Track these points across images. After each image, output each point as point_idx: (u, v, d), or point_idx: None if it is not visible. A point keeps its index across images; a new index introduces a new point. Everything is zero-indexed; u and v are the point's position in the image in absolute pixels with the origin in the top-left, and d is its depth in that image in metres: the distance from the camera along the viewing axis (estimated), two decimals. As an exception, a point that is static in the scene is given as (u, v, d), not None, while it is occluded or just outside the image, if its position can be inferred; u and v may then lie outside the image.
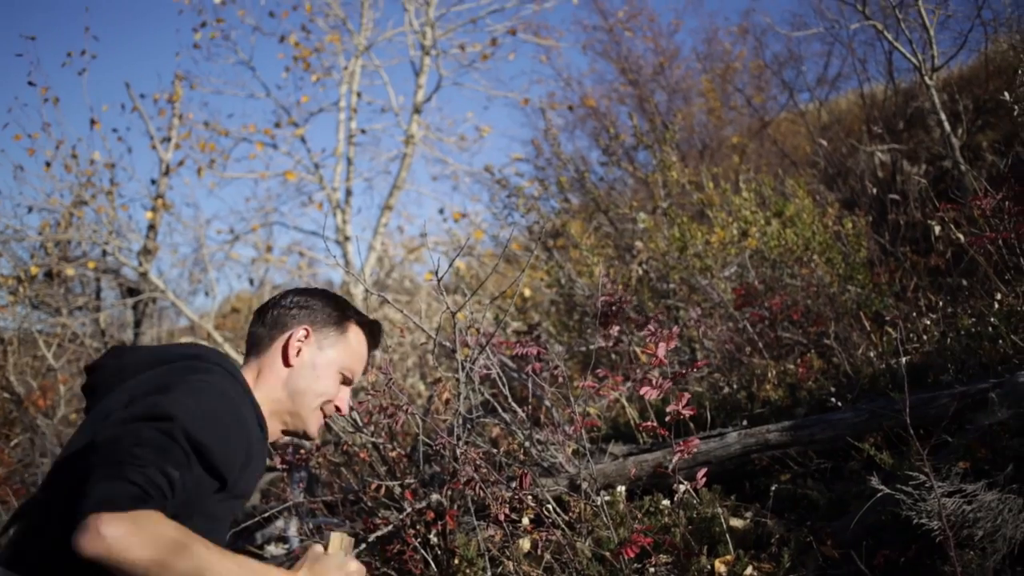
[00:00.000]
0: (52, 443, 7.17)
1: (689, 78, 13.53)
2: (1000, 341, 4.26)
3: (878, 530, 3.44)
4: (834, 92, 12.02)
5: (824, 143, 9.01)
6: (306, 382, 2.16)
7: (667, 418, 3.59)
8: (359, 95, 11.60)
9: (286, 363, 2.17)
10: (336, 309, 2.25)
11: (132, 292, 9.79)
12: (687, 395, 3.59)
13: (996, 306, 4.55)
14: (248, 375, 2.16)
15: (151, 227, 10.07)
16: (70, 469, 1.85)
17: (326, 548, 1.96)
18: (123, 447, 1.65)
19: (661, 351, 3.51)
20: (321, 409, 2.20)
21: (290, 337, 2.18)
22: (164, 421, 1.71)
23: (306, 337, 2.19)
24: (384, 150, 13.11)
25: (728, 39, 13.91)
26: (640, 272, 6.63)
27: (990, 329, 4.38)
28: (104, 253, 9.48)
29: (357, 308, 2.32)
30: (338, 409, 2.22)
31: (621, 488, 3.98)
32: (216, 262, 11.42)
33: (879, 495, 3.24)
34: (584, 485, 3.82)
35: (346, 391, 2.25)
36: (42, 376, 8.41)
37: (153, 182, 10.43)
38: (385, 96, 17.38)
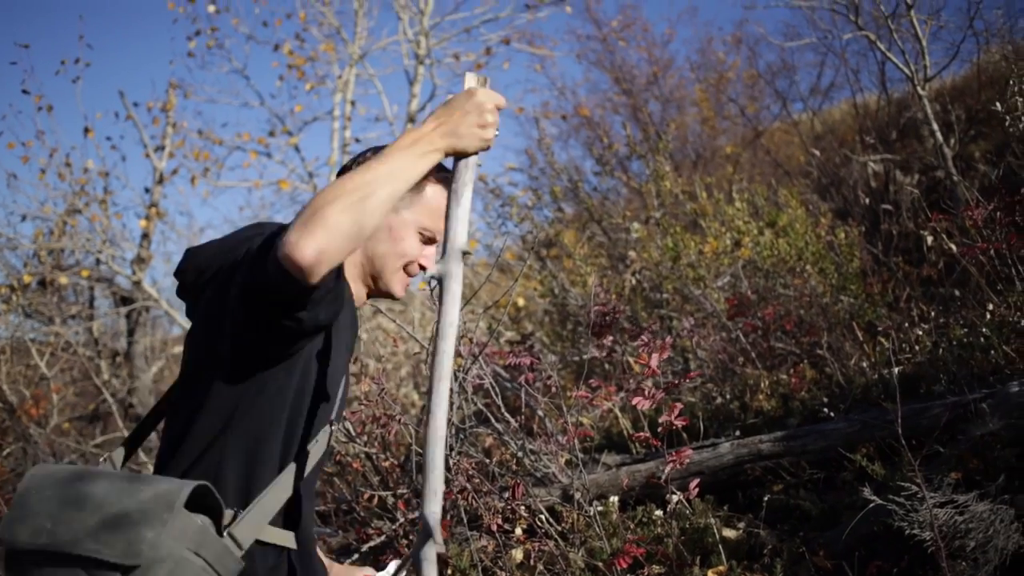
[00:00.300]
0: (45, 452, 7.15)
1: (683, 88, 13.58)
2: (992, 352, 4.27)
3: (870, 541, 3.45)
4: (827, 102, 12.08)
5: (817, 153, 9.03)
6: (385, 246, 2.09)
7: (660, 428, 3.59)
8: (353, 104, 11.61)
9: None
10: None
11: (126, 301, 9.78)
12: (679, 405, 3.60)
13: (988, 317, 4.56)
14: None
15: (145, 236, 10.05)
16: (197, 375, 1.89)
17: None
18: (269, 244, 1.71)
19: (653, 361, 3.52)
20: (405, 269, 2.12)
21: None
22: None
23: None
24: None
25: (722, 49, 13.96)
26: (633, 282, 6.64)
27: (982, 340, 4.39)
28: (98, 262, 9.47)
29: (442, 166, 2.16)
30: (423, 268, 2.14)
31: (614, 498, 3.98)
32: (210, 271, 11.41)
33: (871, 506, 3.25)
34: (577, 495, 3.82)
35: (430, 249, 2.16)
36: (35, 385, 8.38)
37: (147, 190, 10.43)
38: (379, 105, 17.40)
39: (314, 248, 1.60)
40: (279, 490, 1.82)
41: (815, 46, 10.69)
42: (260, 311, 1.74)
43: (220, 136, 11.25)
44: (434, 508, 1.54)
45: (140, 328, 9.82)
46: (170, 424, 1.94)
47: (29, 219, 9.17)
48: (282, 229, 1.70)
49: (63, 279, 9.04)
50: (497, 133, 1.84)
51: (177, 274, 2.08)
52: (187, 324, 8.46)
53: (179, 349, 10.73)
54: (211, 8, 11.29)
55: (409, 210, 2.09)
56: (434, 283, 1.79)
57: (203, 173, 10.88)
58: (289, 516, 1.88)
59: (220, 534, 1.70)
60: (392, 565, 2.16)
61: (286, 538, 1.85)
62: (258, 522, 1.77)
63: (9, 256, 9.05)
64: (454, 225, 1.80)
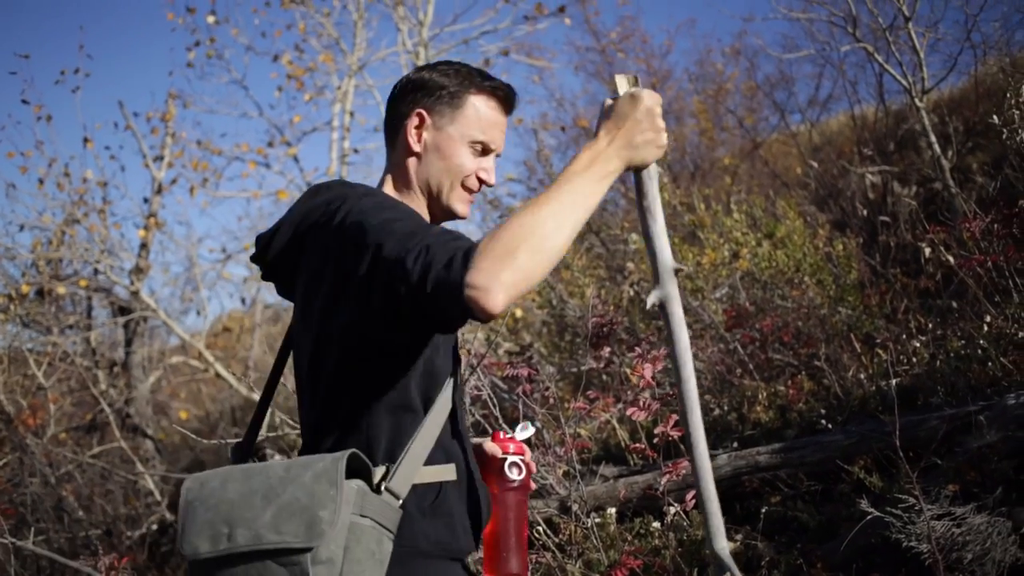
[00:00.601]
0: (41, 462, 7.14)
1: (681, 99, 13.59)
2: (989, 363, 4.27)
3: (868, 553, 3.44)
4: (825, 114, 12.09)
5: (815, 164, 9.04)
6: (435, 166, 2.04)
7: (656, 440, 3.59)
8: (352, 115, 11.62)
9: (411, 155, 2.06)
10: (450, 81, 2.08)
11: (123, 311, 9.77)
12: (675, 416, 3.60)
13: (985, 328, 4.56)
14: (386, 184, 2.10)
15: (143, 246, 10.04)
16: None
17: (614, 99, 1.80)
18: (409, 258, 1.63)
19: (647, 372, 3.52)
20: (463, 186, 2.05)
21: (405, 129, 2.07)
22: (389, 210, 1.76)
23: (420, 123, 2.06)
24: (377, 169, 13.15)
25: (720, 61, 13.99)
26: (631, 293, 6.64)
27: (979, 351, 4.40)
28: (96, 272, 9.47)
29: (480, 71, 2.09)
30: (483, 181, 2.06)
31: (611, 510, 3.98)
32: (208, 281, 11.42)
33: (869, 518, 3.25)
34: (575, 507, 3.82)
35: (487, 161, 2.07)
36: (32, 395, 8.36)
37: (145, 200, 10.43)
38: (378, 116, 17.42)
39: (506, 297, 1.55)
40: (425, 436, 1.83)
41: (813, 58, 10.70)
42: (410, 320, 1.71)
43: (219, 146, 11.28)
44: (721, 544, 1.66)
45: (138, 338, 9.81)
46: (305, 402, 1.97)
47: (27, 229, 9.17)
48: (431, 246, 1.63)
49: (61, 289, 9.03)
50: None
51: (255, 260, 2.09)
52: (185, 333, 8.42)
53: (176, 359, 10.72)
54: (210, 19, 11.30)
55: (453, 125, 2.04)
56: (656, 309, 1.78)
57: (202, 183, 10.88)
58: (446, 450, 1.90)
59: (377, 491, 1.74)
60: (526, 427, 2.22)
61: (444, 472, 1.87)
62: (410, 471, 1.79)
63: (7, 266, 9.05)
64: (656, 242, 1.75)
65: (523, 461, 2.14)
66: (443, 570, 1.87)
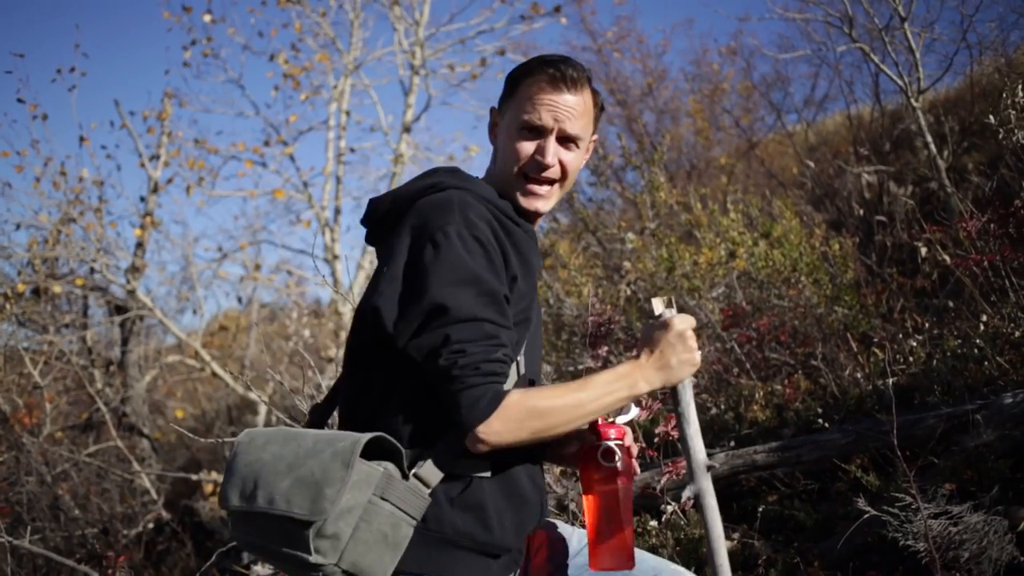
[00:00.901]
0: (37, 461, 7.13)
1: (677, 99, 13.58)
2: (986, 363, 4.28)
3: (865, 551, 3.45)
4: (821, 113, 12.10)
5: (811, 164, 9.05)
6: (499, 159, 2.08)
7: (656, 439, 3.59)
8: (348, 114, 11.62)
9: (494, 152, 2.12)
10: (515, 72, 2.08)
11: (120, 310, 9.75)
12: (674, 416, 3.60)
13: (982, 328, 4.58)
14: (490, 179, 2.11)
15: (139, 245, 10.03)
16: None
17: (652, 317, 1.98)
18: (443, 361, 1.79)
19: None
20: (523, 175, 2.05)
21: (488, 129, 2.14)
22: (441, 315, 1.81)
23: (493, 121, 2.12)
24: (373, 169, 13.18)
25: (716, 60, 13.99)
26: (628, 292, 6.65)
27: (976, 351, 4.40)
28: (92, 271, 9.45)
29: (547, 56, 2.07)
30: (541, 164, 2.02)
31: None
32: (204, 280, 11.44)
33: (866, 516, 3.26)
34: (572, 505, 3.82)
35: (545, 142, 2.02)
36: (28, 394, 8.34)
37: (142, 199, 10.41)
38: (374, 115, 17.45)
39: (498, 446, 1.79)
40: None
41: (809, 58, 10.71)
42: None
43: (215, 145, 11.24)
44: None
45: (134, 337, 9.79)
46: (344, 383, 2.05)
47: (23, 228, 9.15)
48: (481, 364, 1.79)
49: (57, 288, 9.02)
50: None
51: (364, 222, 2.12)
52: (181, 332, 8.39)
53: (172, 358, 10.71)
54: (207, 18, 11.30)
55: (509, 113, 2.06)
56: (692, 501, 1.93)
57: (198, 182, 10.87)
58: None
59: (406, 477, 1.83)
60: (627, 409, 2.16)
61: (478, 467, 1.91)
62: (445, 460, 1.85)
63: (3, 265, 9.02)
64: (691, 443, 1.97)
65: (620, 446, 2.07)
66: (469, 562, 1.91)
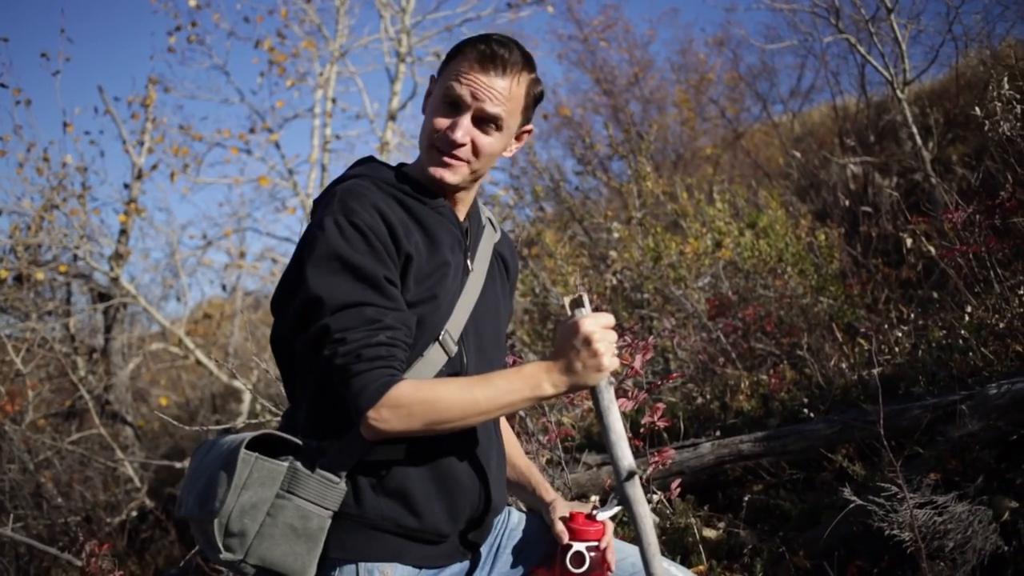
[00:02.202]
0: (20, 449, 7.09)
1: (663, 89, 13.59)
2: (970, 353, 4.29)
3: (850, 541, 3.46)
4: (807, 104, 12.12)
5: (797, 155, 9.07)
6: (423, 125, 2.05)
7: (642, 429, 3.60)
8: (334, 101, 11.57)
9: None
10: (453, 48, 2.04)
11: (103, 297, 9.69)
12: (662, 406, 3.60)
13: (966, 319, 4.59)
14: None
15: (123, 232, 9.97)
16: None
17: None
18: (326, 351, 1.81)
19: (637, 363, 3.52)
20: (433, 146, 2.00)
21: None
22: (319, 307, 1.83)
23: (431, 87, 2.08)
24: (359, 156, 13.08)
25: (703, 50, 13.99)
26: (614, 282, 6.65)
27: (960, 341, 4.42)
28: (75, 257, 9.39)
29: (482, 35, 2.03)
30: (449, 140, 1.97)
31: (594, 498, 3.97)
32: (188, 268, 11.35)
33: (851, 506, 3.27)
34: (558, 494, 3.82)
35: (460, 119, 1.97)
36: (10, 381, 8.30)
37: (126, 186, 10.33)
38: (360, 103, 17.37)
39: (391, 434, 1.81)
40: None
41: (796, 49, 10.74)
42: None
43: (200, 132, 11.17)
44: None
45: (117, 325, 9.73)
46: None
47: (6, 214, 9.08)
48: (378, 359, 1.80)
49: (40, 275, 8.95)
50: (617, 352, 1.86)
51: None
52: (165, 320, 8.33)
53: (156, 346, 10.67)
54: (192, 3, 11.20)
55: (436, 88, 2.04)
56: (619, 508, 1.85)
57: (183, 169, 10.81)
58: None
59: (313, 470, 1.86)
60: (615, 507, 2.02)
61: (402, 452, 1.92)
62: (350, 449, 1.87)
63: (-15, 251, 8.96)
64: (614, 450, 1.85)
65: (592, 551, 1.99)
66: (396, 547, 1.93)
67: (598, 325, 1.81)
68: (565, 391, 1.84)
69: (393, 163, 2.13)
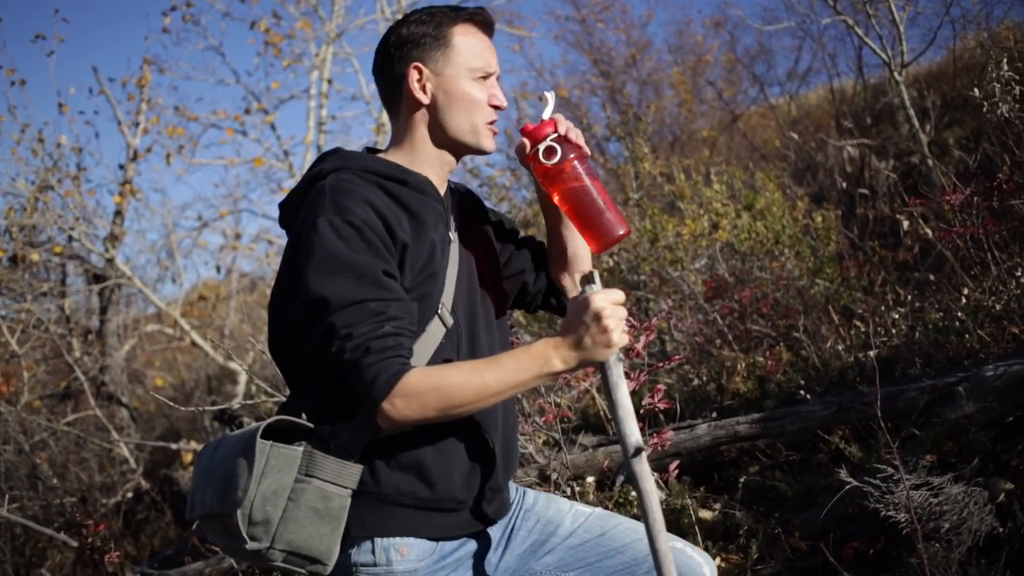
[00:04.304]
0: (15, 430, 7.08)
1: (661, 70, 13.55)
2: (967, 336, 4.30)
3: (846, 522, 3.47)
4: (804, 87, 12.12)
5: (794, 137, 9.05)
6: (450, 110, 2.05)
7: (642, 411, 3.59)
8: (330, 82, 11.53)
9: (420, 109, 2.07)
10: (428, 26, 2.06)
11: (98, 278, 9.66)
12: (662, 388, 3.60)
13: (963, 301, 4.59)
14: (393, 149, 2.11)
15: (118, 213, 9.93)
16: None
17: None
18: (334, 349, 1.82)
19: (640, 344, 3.52)
20: (487, 123, 2.08)
21: (406, 88, 2.07)
22: (323, 308, 1.84)
23: (420, 75, 2.05)
24: (355, 138, 13.07)
25: (700, 32, 13.95)
26: (611, 263, 6.64)
27: (957, 324, 4.43)
28: (70, 239, 9.35)
29: (450, 7, 2.10)
30: (497, 107, 2.08)
31: (591, 479, 3.99)
32: (184, 249, 11.32)
33: (847, 487, 3.27)
34: (554, 476, 3.83)
35: (492, 85, 2.08)
36: (5, 363, 8.28)
37: (121, 167, 10.29)
38: (356, 84, 17.29)
39: (405, 423, 1.82)
40: None
41: (793, 30, 10.70)
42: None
43: (195, 113, 11.13)
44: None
45: (112, 306, 9.71)
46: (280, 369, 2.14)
47: (0, 195, 9.05)
48: (386, 349, 1.81)
49: (35, 256, 8.92)
50: (626, 329, 1.85)
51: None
52: (161, 301, 8.32)
53: (151, 327, 10.65)
54: (187, -18, 11.15)
55: (450, 65, 2.05)
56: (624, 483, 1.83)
57: (178, 150, 10.77)
58: None
59: (328, 452, 1.89)
60: (550, 103, 2.10)
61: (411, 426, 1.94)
62: (363, 430, 1.89)
63: (-20, 232, 8.92)
64: (621, 426, 1.88)
65: (557, 140, 2.04)
66: (416, 519, 1.95)
67: (608, 301, 1.82)
68: (575, 367, 1.85)
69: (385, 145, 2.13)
